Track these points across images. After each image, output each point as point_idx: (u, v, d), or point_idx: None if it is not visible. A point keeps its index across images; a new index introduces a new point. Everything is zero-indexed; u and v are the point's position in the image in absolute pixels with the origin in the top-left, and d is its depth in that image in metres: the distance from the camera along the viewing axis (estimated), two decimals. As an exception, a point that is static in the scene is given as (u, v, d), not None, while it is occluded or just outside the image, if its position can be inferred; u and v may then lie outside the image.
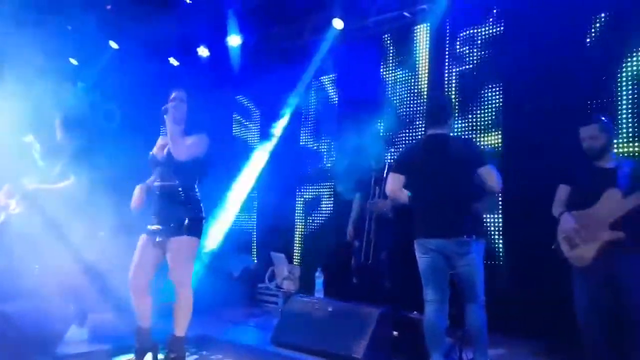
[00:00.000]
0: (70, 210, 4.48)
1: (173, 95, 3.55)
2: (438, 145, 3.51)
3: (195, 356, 3.96)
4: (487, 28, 5.52)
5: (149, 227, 3.49)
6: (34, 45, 5.04)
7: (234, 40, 6.96)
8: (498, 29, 5.45)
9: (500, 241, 5.25)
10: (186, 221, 3.41)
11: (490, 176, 3.38)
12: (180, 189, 3.46)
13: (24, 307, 3.88)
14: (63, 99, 6.75)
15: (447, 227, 3.39)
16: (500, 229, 5.25)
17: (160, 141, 3.66)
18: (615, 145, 4.19)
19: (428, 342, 3.47)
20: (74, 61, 7.57)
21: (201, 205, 3.55)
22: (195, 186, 3.55)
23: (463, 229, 3.36)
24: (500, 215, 5.25)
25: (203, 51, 7.36)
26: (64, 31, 6.74)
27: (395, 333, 4.04)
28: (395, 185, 3.56)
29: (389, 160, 5.29)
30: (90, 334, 4.38)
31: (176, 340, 3.42)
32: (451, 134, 3.64)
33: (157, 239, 3.44)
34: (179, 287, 3.40)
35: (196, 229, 3.48)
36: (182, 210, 3.43)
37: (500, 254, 5.24)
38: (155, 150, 3.63)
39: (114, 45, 7.36)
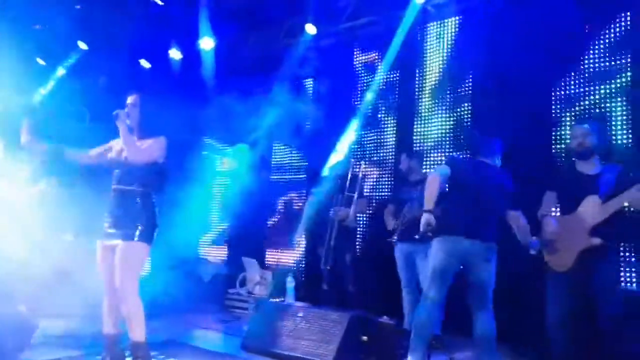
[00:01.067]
0: (40, 213, 4.41)
1: (128, 100, 3.53)
2: (489, 172, 3.66)
3: (163, 362, 3.90)
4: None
5: (104, 230, 3.44)
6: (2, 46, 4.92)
7: (207, 43, 6.91)
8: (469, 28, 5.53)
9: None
10: (138, 227, 3.35)
11: (516, 222, 3.59)
12: (136, 193, 3.41)
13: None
14: (30, 100, 6.64)
15: (482, 230, 3.51)
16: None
17: (116, 144, 3.57)
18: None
19: (415, 339, 3.49)
20: (41, 61, 7.42)
21: (156, 211, 3.47)
22: (152, 192, 3.46)
23: (493, 236, 3.55)
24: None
25: (175, 54, 7.30)
26: (32, 31, 6.60)
27: (364, 338, 4.06)
28: (435, 186, 3.56)
29: (354, 166, 5.29)
30: (52, 340, 4.27)
31: (137, 346, 3.35)
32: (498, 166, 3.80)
33: (108, 243, 3.40)
34: (124, 293, 3.30)
35: (147, 236, 3.41)
36: (136, 216, 3.38)
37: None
38: (113, 153, 3.55)
39: (83, 46, 7.23)
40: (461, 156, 5.29)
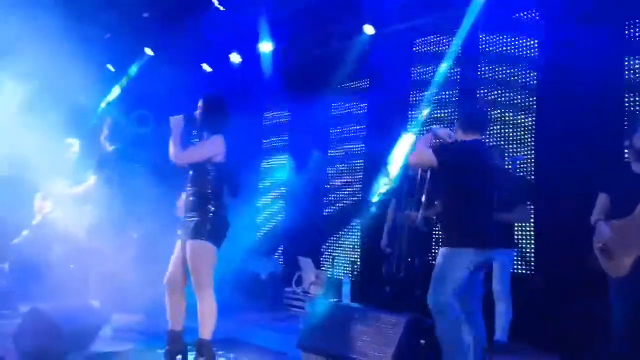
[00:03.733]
0: (96, 210, 4.62)
1: (199, 103, 3.69)
2: (485, 153, 3.47)
3: (223, 359, 4.00)
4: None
5: (179, 229, 3.60)
6: (74, 53, 5.22)
7: (266, 46, 7.04)
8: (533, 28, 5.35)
9: (532, 251, 5.14)
10: (207, 226, 3.46)
11: None
12: (197, 194, 3.53)
13: (58, 305, 4.01)
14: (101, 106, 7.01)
15: (496, 236, 3.35)
16: (532, 238, 5.14)
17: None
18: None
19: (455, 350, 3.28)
20: (111, 68, 7.81)
21: (219, 210, 3.55)
22: (213, 192, 3.54)
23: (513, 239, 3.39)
24: (532, 224, 5.14)
25: (235, 57, 7.47)
26: (102, 39, 6.96)
27: (422, 342, 3.99)
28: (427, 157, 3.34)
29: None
30: (119, 333, 4.48)
31: (203, 344, 3.47)
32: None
33: (181, 242, 3.54)
34: (198, 291, 3.44)
35: (216, 235, 3.51)
36: (198, 215, 3.49)
37: (532, 264, 5.13)
38: None
39: (149, 52, 7.54)
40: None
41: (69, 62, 5.17)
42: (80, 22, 5.80)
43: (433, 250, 5.42)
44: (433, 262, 5.35)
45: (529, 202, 4.86)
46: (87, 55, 5.71)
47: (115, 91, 7.69)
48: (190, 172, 3.59)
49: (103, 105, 7.58)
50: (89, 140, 5.36)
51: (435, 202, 4.65)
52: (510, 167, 5.08)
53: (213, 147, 3.55)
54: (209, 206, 3.51)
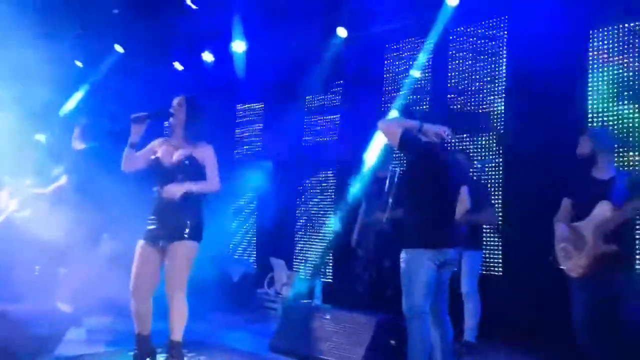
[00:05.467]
0: (69, 210, 4.52)
1: (174, 101, 3.57)
2: (446, 155, 3.53)
3: (193, 361, 3.97)
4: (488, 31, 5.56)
5: (150, 231, 3.48)
6: (41, 48, 5.10)
7: (239, 46, 7.00)
8: (502, 32, 5.48)
9: (500, 252, 5.26)
10: (188, 226, 3.42)
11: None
12: (185, 194, 3.44)
13: (23, 308, 3.90)
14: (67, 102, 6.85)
15: (457, 236, 3.45)
16: (500, 239, 5.26)
17: (163, 145, 3.61)
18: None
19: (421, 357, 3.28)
20: (79, 64, 7.65)
21: (203, 210, 3.56)
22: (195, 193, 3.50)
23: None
24: (500, 226, 5.26)
25: (208, 56, 7.41)
26: (71, 35, 6.81)
27: (392, 342, 4.04)
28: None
29: (391, 170, 5.26)
30: (88, 335, 4.39)
31: (174, 345, 3.42)
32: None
33: (160, 244, 3.44)
34: (175, 292, 3.37)
35: (197, 234, 3.49)
36: (185, 215, 3.44)
37: (500, 265, 5.25)
38: (160, 154, 3.55)
39: (119, 49, 7.41)
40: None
41: (37, 58, 5.04)
42: (49, 17, 5.66)
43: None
44: (398, 262, 5.50)
45: (496, 205, 4.98)
46: (56, 52, 5.58)
47: (84, 88, 7.52)
48: (180, 174, 3.49)
49: (72, 102, 7.41)
50: (55, 137, 5.24)
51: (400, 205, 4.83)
52: (479, 170, 5.20)
53: (216, 158, 3.55)
54: (189, 205, 3.45)
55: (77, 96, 7.46)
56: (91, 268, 4.50)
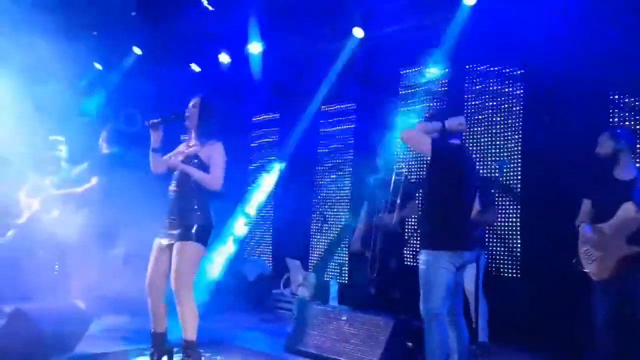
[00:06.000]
0: (94, 211, 4.60)
1: (190, 102, 3.63)
2: (467, 156, 3.52)
3: (209, 361, 3.99)
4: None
5: (162, 230, 3.53)
6: (61, 51, 5.17)
7: (255, 47, 7.01)
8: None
9: (519, 253, 5.19)
10: (194, 227, 3.44)
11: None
12: (195, 195, 3.49)
13: (43, 306, 3.96)
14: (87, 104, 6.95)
15: (475, 238, 3.49)
16: (519, 241, 5.20)
17: (182, 147, 3.69)
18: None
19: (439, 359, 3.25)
20: (98, 66, 7.74)
21: (211, 213, 3.56)
22: (200, 193, 3.52)
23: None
24: (518, 228, 5.20)
25: (224, 58, 7.43)
26: (89, 37, 6.89)
27: (409, 344, 4.02)
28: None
29: (397, 172, 5.22)
30: (106, 333, 4.44)
31: (189, 344, 3.45)
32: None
33: (166, 243, 3.49)
34: (180, 291, 3.38)
35: (203, 237, 3.49)
36: (193, 217, 3.46)
37: (518, 267, 5.19)
38: (175, 155, 3.66)
39: (137, 51, 7.49)
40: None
41: (56, 60, 5.11)
42: (67, 19, 5.73)
43: (406, 251, 5.55)
44: (407, 262, 5.49)
45: (497, 204, 4.94)
46: (75, 53, 5.65)
47: (102, 90, 7.61)
48: (175, 172, 3.56)
49: (90, 103, 7.50)
50: (74, 139, 5.30)
51: (407, 205, 4.83)
52: (497, 171, 5.14)
53: (224, 156, 3.55)
54: (197, 207, 3.49)
55: (96, 98, 7.55)
56: (107, 267, 4.55)
